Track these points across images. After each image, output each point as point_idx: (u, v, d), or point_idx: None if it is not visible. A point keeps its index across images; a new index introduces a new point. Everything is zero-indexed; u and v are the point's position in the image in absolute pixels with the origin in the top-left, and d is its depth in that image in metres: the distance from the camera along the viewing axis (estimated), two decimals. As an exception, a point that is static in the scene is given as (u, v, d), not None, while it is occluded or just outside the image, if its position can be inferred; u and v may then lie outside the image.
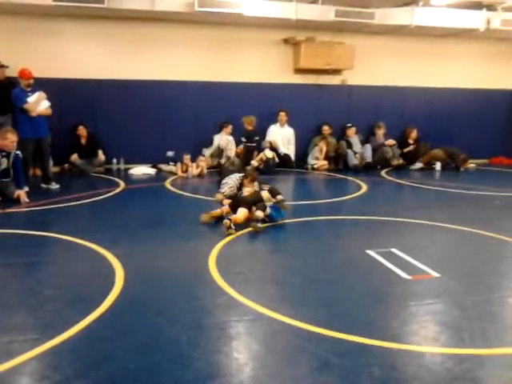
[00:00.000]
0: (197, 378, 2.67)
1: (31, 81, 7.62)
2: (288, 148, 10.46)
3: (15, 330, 3.16)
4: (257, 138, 9.88)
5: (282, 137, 10.39)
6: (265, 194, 6.04)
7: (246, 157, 9.77)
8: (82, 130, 9.37)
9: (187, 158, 9.35)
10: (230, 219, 5.49)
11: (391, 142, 10.81)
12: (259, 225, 5.56)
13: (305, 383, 2.65)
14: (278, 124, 10.40)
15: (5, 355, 2.83)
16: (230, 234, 5.33)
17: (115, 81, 9.65)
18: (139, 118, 9.95)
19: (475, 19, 10.29)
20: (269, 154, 9.80)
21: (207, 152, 10.04)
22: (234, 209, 5.86)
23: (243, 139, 9.86)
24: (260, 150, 10.03)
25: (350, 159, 10.33)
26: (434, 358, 2.94)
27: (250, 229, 5.50)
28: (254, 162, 9.78)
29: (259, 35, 10.35)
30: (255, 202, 5.90)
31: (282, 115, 10.31)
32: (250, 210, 5.82)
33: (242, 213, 5.71)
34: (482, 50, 11.66)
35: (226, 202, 6.38)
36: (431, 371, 2.78)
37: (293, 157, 10.49)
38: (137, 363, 2.79)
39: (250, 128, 9.77)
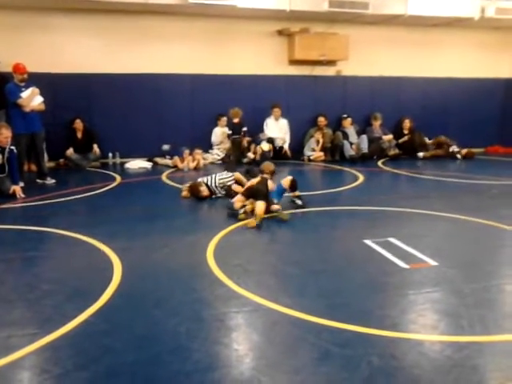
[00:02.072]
0: (197, 369, 2.66)
1: (25, 76, 7.56)
2: (284, 137, 10.46)
3: (14, 325, 3.15)
4: (245, 129, 9.82)
5: (278, 129, 10.43)
6: (271, 184, 6.06)
7: (233, 149, 9.76)
8: (79, 124, 9.34)
9: (187, 152, 9.36)
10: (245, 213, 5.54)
11: (389, 137, 10.82)
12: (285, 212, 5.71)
13: (305, 373, 2.65)
14: (272, 118, 10.40)
15: (4, 350, 2.82)
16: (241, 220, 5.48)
17: (109, 75, 9.59)
18: (134, 111, 9.91)
19: (469, 8, 10.28)
20: (265, 146, 9.79)
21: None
22: (247, 197, 5.88)
23: (229, 132, 9.86)
24: (256, 143, 10.01)
25: (346, 150, 10.33)
26: (434, 345, 2.95)
27: (249, 221, 5.52)
28: (251, 155, 9.78)
29: (253, 27, 10.31)
30: (269, 193, 5.95)
31: (276, 111, 10.33)
32: (267, 201, 5.82)
33: (262, 206, 5.64)
34: (476, 38, 11.65)
35: (238, 188, 6.46)
36: (431, 359, 2.78)
37: (286, 146, 10.44)
38: (136, 356, 2.79)
39: (235, 120, 9.74)
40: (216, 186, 6.79)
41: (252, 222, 5.39)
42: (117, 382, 2.56)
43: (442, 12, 10.19)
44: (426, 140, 11.03)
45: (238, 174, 6.97)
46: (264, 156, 9.56)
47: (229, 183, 6.82)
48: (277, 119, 10.42)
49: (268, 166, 6.37)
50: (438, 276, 4.03)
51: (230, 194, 6.56)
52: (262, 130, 10.29)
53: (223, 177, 6.92)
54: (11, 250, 4.71)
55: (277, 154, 10.15)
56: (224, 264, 4.21)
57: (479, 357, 2.83)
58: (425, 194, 7.28)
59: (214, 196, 6.76)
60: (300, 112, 10.52)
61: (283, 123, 10.49)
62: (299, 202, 6.08)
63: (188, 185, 6.87)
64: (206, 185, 6.76)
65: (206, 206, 6.44)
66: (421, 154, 10.68)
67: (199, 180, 6.94)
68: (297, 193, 6.19)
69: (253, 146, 9.98)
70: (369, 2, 9.59)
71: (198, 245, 4.74)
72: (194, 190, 6.70)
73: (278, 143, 10.32)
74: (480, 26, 11.12)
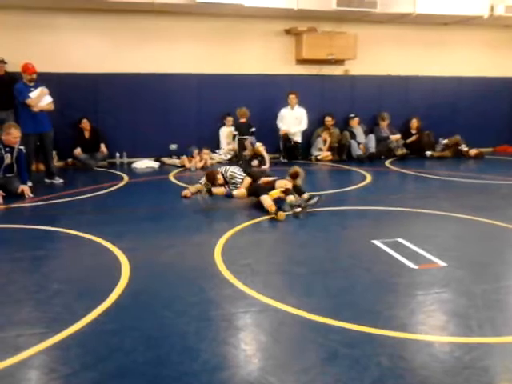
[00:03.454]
0: (205, 369, 2.66)
1: (34, 76, 7.58)
2: (299, 128, 10.23)
3: (23, 324, 3.16)
4: (252, 130, 9.78)
5: (294, 119, 10.21)
6: (279, 184, 6.17)
7: (239, 150, 9.73)
8: (86, 124, 9.38)
9: (195, 151, 9.38)
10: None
11: (396, 137, 10.76)
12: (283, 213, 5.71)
13: (313, 374, 2.64)
14: (288, 107, 10.23)
15: (13, 349, 2.83)
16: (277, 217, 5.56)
17: (117, 74, 9.62)
18: (141, 111, 9.93)
19: (479, 6, 10.20)
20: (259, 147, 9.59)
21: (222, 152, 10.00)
22: (252, 195, 6.10)
23: (234, 132, 9.83)
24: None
25: (353, 150, 10.29)
26: (443, 347, 2.93)
27: (256, 220, 5.52)
28: (255, 162, 9.58)
29: (261, 26, 10.29)
30: (271, 189, 6.11)
31: (292, 98, 10.10)
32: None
33: (268, 199, 5.79)
34: (485, 37, 11.56)
35: (243, 189, 6.62)
36: (440, 360, 2.76)
37: (300, 137, 10.28)
38: (145, 356, 2.79)
39: (242, 120, 9.69)
40: (226, 176, 7.01)
41: (280, 214, 5.52)
42: (125, 382, 2.57)
43: (450, 10, 10.13)
44: (443, 140, 10.93)
45: (248, 179, 6.85)
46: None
47: (237, 178, 6.93)
48: (293, 108, 10.21)
49: (293, 169, 6.50)
50: (447, 276, 4.01)
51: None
52: (270, 129, 10.18)
53: (235, 170, 7.10)
54: (20, 249, 4.73)
55: (290, 152, 10.10)
56: (232, 264, 4.21)
57: (489, 358, 2.81)
58: (433, 193, 7.24)
59: (227, 185, 6.97)
60: (307, 111, 10.45)
61: (300, 112, 10.22)
62: (297, 209, 5.84)
63: (204, 178, 7.01)
64: (222, 174, 7.01)
65: (213, 205, 6.42)
66: (428, 153, 10.64)
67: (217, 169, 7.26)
68: (291, 197, 6.07)
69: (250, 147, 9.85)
70: (377, 0, 9.54)
71: (205, 245, 4.74)
72: (211, 177, 6.89)
73: (293, 138, 10.16)
74: (489, 24, 11.05)
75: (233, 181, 6.94)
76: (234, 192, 5.99)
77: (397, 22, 10.75)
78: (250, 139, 9.61)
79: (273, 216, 5.56)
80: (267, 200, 5.74)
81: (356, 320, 3.18)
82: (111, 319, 3.22)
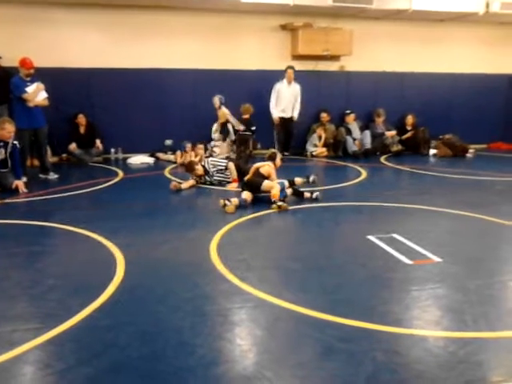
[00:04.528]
0: (200, 364, 2.66)
1: (32, 70, 7.53)
2: (294, 106, 10.17)
3: (17, 320, 3.15)
4: (253, 128, 9.77)
5: (289, 95, 10.10)
6: (265, 170, 6.39)
7: (240, 145, 9.69)
8: (82, 119, 9.34)
9: (188, 146, 9.35)
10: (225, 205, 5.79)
11: (392, 133, 10.76)
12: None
13: (309, 368, 2.65)
14: (284, 81, 10.10)
15: (7, 344, 2.82)
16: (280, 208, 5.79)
17: (112, 69, 9.57)
18: (137, 106, 9.89)
19: (474, 3, 10.23)
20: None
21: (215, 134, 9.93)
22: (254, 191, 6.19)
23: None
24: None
25: (349, 146, 10.30)
26: (437, 341, 2.94)
27: (252, 216, 5.55)
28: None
29: (257, 21, 10.27)
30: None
31: (290, 72, 9.98)
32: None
33: (276, 188, 5.98)
34: (481, 34, 11.59)
35: (233, 186, 7.04)
36: (434, 355, 2.78)
37: (296, 115, 10.22)
38: (139, 351, 2.79)
39: (245, 116, 9.68)
40: (208, 165, 7.38)
41: (283, 205, 5.76)
42: (120, 377, 2.56)
43: (446, 7, 10.14)
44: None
45: (231, 164, 7.37)
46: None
47: (219, 167, 7.36)
48: (290, 83, 10.08)
49: (269, 152, 6.99)
50: (442, 272, 4.02)
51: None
52: (266, 124, 10.11)
53: (214, 159, 7.75)
54: (15, 244, 4.71)
55: (286, 128, 10.16)
56: (227, 259, 4.20)
57: (483, 353, 2.82)
58: (428, 190, 7.26)
59: (207, 176, 7.35)
60: (303, 107, 10.43)
61: (296, 89, 10.11)
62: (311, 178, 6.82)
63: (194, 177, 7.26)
64: (203, 166, 7.36)
65: (209, 201, 6.43)
66: (432, 151, 10.67)
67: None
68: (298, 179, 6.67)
69: (254, 143, 9.86)
70: (373, -4, 9.55)
71: (201, 240, 4.73)
72: (189, 167, 7.32)
73: (288, 114, 10.15)
74: (485, 21, 11.07)
75: (215, 169, 7.33)
76: (243, 196, 6.01)
77: (392, 19, 10.76)
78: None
79: (277, 207, 5.77)
80: (275, 187, 5.97)
81: (351, 315, 3.19)
82: (106, 315, 3.21)
